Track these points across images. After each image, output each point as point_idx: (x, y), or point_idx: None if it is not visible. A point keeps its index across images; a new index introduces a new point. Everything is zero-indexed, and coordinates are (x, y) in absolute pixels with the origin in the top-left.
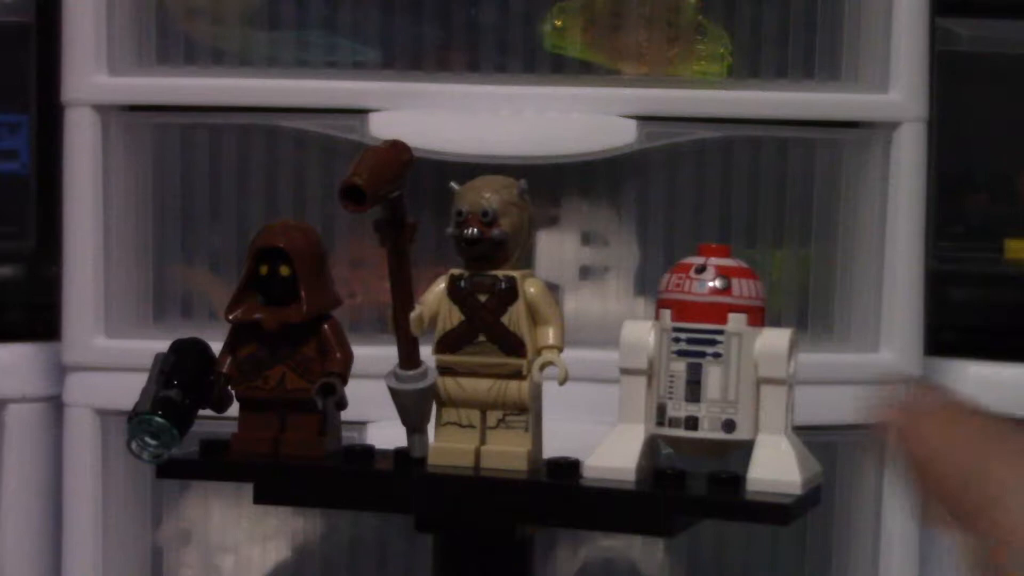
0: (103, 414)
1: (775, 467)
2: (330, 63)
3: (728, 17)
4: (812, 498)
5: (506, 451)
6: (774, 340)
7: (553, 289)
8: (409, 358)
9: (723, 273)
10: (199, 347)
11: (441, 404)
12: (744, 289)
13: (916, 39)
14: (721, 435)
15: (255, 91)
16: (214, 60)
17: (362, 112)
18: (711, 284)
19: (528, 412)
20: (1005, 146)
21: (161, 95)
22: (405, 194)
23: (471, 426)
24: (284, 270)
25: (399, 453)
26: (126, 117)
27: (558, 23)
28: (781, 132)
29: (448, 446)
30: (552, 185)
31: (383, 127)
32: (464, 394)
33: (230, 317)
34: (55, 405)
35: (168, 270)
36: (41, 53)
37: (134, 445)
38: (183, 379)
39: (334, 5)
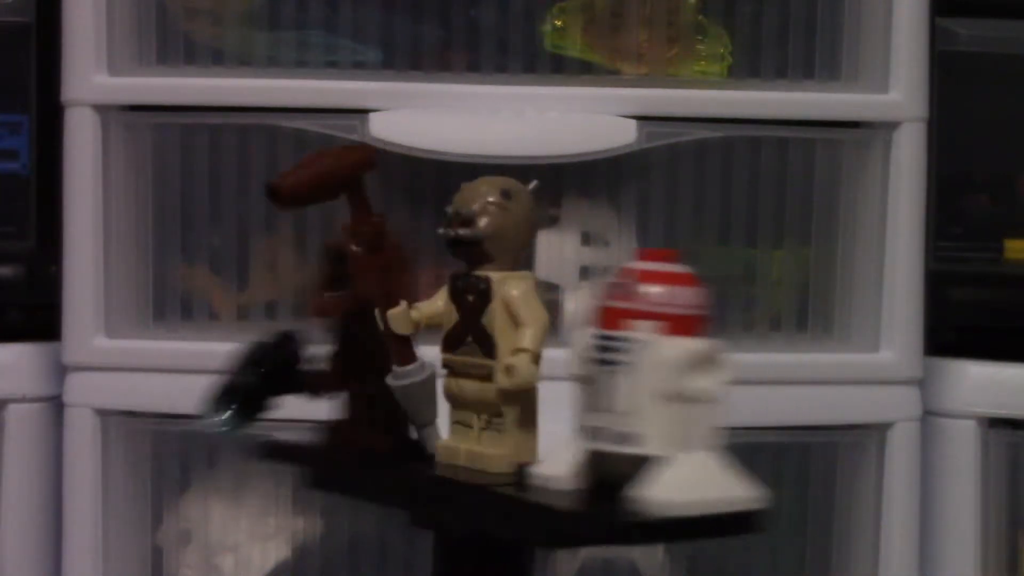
0: (103, 414)
1: (675, 485)
2: (330, 63)
3: (728, 17)
4: (710, 522)
5: (484, 453)
6: (688, 351)
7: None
8: (400, 355)
9: (648, 279)
10: (288, 339)
11: (448, 403)
12: (668, 297)
13: (916, 39)
14: (619, 447)
15: (255, 91)
16: (214, 60)
17: (362, 112)
18: (626, 290)
19: (504, 415)
20: (1005, 146)
21: (161, 95)
22: (362, 195)
23: (470, 426)
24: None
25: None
26: (126, 117)
27: (558, 23)
28: (781, 132)
29: (449, 444)
30: (552, 185)
31: (383, 127)
32: (461, 394)
33: (312, 309)
34: (55, 405)
35: (168, 270)
36: (41, 53)
37: (205, 423)
38: (260, 369)
39: (334, 5)
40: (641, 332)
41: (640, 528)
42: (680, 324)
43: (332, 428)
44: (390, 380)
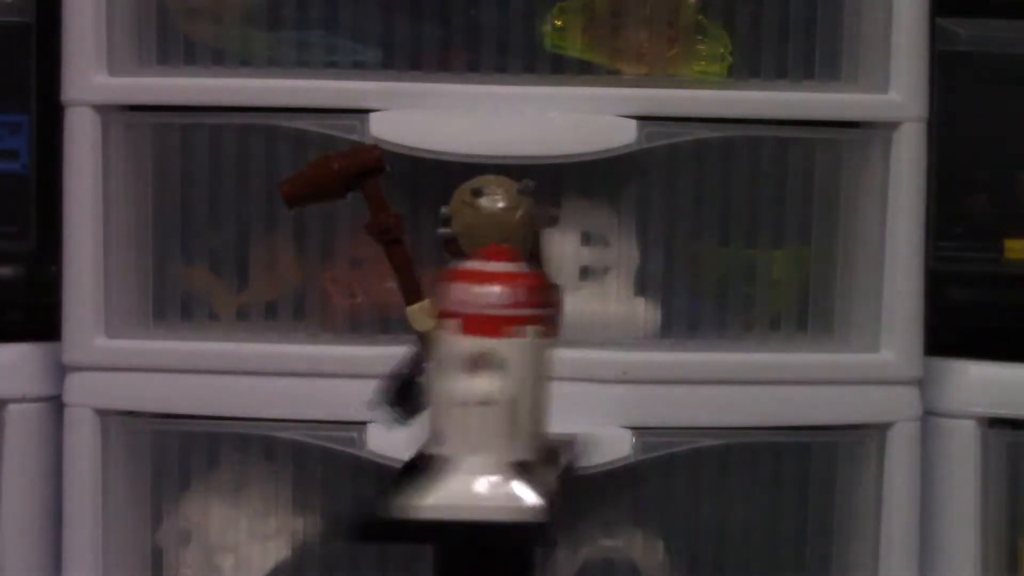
0: (103, 414)
1: (442, 489)
2: (330, 63)
3: (728, 17)
4: (442, 527)
5: None
6: (452, 348)
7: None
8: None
9: (460, 279)
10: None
11: None
12: (466, 295)
13: (916, 39)
14: (428, 448)
15: (255, 91)
16: (214, 60)
17: (362, 112)
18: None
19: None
20: (1005, 146)
21: (161, 95)
22: (378, 191)
23: None
24: None
25: None
26: (126, 117)
27: (558, 23)
28: (781, 132)
29: None
30: (552, 185)
31: (383, 127)
32: None
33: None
34: (55, 405)
35: (168, 270)
36: (41, 53)
37: (380, 417)
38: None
39: (334, 5)
40: (447, 330)
41: (398, 528)
42: (475, 323)
43: None
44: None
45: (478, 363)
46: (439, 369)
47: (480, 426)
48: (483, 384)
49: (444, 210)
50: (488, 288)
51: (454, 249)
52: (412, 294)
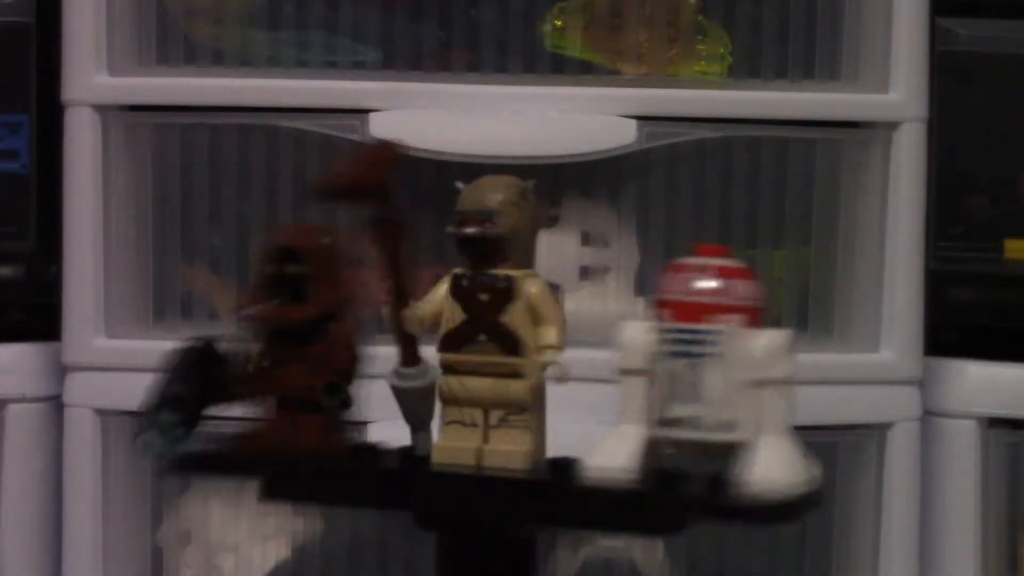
0: (103, 414)
1: (775, 468)
2: (330, 63)
3: (728, 17)
4: (812, 499)
5: (507, 450)
6: (772, 341)
7: (553, 289)
8: (407, 355)
9: (721, 274)
10: (210, 345)
11: (445, 402)
12: (742, 290)
13: (916, 39)
14: (719, 435)
15: (255, 91)
16: (214, 60)
17: (362, 112)
18: (710, 285)
19: (528, 411)
20: (1005, 146)
21: (161, 95)
22: (393, 193)
23: (474, 425)
24: (293, 269)
25: (404, 451)
26: (126, 117)
27: (558, 23)
28: (781, 132)
29: (451, 444)
30: (552, 185)
31: (383, 127)
32: (467, 393)
33: (240, 314)
34: (55, 405)
35: (168, 270)
36: (41, 53)
37: (141, 441)
38: (193, 376)
39: (334, 5)
40: (731, 325)
41: (775, 510)
42: (754, 316)
43: (267, 433)
44: (394, 381)
45: (783, 352)
46: (730, 362)
47: (778, 407)
48: (787, 369)
49: (484, 208)
50: (756, 283)
51: (490, 251)
52: (407, 296)
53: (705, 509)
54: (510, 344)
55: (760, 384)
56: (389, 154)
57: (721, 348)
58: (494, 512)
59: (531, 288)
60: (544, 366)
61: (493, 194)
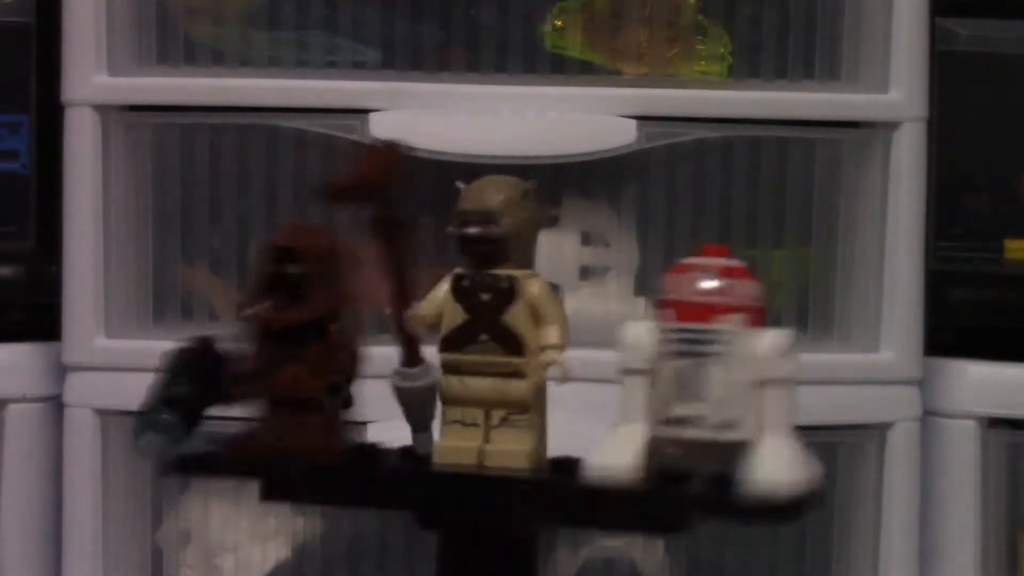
0: (103, 414)
1: (777, 467)
2: (330, 63)
3: (728, 17)
4: (814, 499)
5: (509, 450)
6: (776, 340)
7: (553, 289)
8: (410, 356)
9: (723, 274)
10: (209, 345)
11: (445, 402)
12: (744, 290)
13: (916, 39)
14: (722, 435)
15: (255, 91)
16: (214, 60)
17: (362, 112)
18: (711, 285)
19: (530, 411)
20: (1005, 146)
21: (161, 95)
22: (396, 193)
23: (475, 424)
24: (291, 269)
25: (404, 451)
26: (126, 117)
27: (558, 23)
28: (781, 132)
29: (452, 444)
30: (552, 185)
31: (383, 127)
32: (468, 392)
33: (239, 315)
34: (55, 405)
35: (168, 270)
36: (41, 53)
37: (141, 441)
38: (192, 376)
39: (334, 5)
40: (733, 325)
41: (777, 510)
42: (756, 316)
43: (267, 434)
44: (396, 381)
45: (786, 351)
46: (735, 361)
47: (781, 406)
48: (790, 368)
49: (487, 208)
50: (754, 283)
51: (493, 251)
52: (408, 296)
53: (708, 509)
54: (512, 344)
55: (763, 384)
56: (394, 155)
57: (724, 348)
58: (495, 512)
59: (533, 288)
60: (545, 366)
61: (495, 194)
